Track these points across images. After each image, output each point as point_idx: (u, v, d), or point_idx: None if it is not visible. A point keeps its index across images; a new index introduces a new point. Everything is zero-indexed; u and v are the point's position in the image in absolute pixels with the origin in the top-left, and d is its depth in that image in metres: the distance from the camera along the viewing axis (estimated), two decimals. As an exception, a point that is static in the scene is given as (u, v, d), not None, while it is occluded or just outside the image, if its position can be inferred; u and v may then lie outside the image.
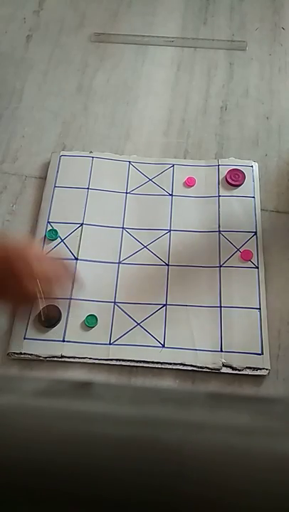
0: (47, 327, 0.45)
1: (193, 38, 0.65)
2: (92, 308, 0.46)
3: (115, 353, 0.44)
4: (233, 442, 0.17)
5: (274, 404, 0.21)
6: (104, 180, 0.53)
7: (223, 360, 0.43)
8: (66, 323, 0.45)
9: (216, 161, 0.55)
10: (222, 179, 0.53)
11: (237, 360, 0.43)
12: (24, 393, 0.20)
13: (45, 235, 0.49)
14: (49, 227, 0.49)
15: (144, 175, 0.54)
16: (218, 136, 0.58)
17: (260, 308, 0.46)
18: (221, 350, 0.44)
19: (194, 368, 0.43)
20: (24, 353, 0.44)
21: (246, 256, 0.48)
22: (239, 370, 0.43)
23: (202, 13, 0.68)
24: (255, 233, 0.50)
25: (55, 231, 0.49)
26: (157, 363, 0.44)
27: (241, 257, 0.48)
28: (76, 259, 0.48)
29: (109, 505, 0.17)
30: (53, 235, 0.49)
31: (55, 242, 0.49)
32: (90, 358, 0.44)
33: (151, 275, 0.48)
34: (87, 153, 0.55)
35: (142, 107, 0.60)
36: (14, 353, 0.44)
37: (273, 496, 0.16)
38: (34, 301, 0.39)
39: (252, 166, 0.54)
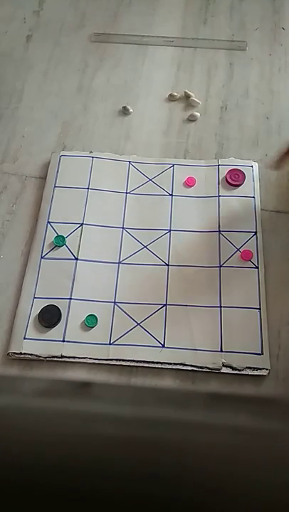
0: (47, 327, 0.45)
1: (193, 38, 0.65)
2: (92, 308, 0.46)
3: (115, 353, 0.44)
4: (233, 442, 0.17)
5: (274, 404, 0.21)
6: (105, 180, 0.53)
7: (223, 360, 0.43)
8: (66, 323, 0.45)
9: (216, 161, 0.55)
10: (222, 179, 0.53)
11: (237, 360, 0.43)
12: (24, 393, 0.20)
13: (53, 241, 0.49)
14: (55, 234, 0.49)
15: (144, 175, 0.54)
16: (218, 136, 0.58)
17: (260, 309, 0.46)
18: (221, 350, 0.44)
19: (194, 368, 0.43)
20: (24, 353, 0.44)
21: (246, 256, 0.48)
22: (239, 370, 0.43)
23: (202, 13, 0.68)
24: (255, 233, 0.50)
25: (62, 237, 0.49)
26: (157, 362, 0.44)
27: (241, 257, 0.48)
28: (76, 259, 0.48)
29: (108, 505, 0.17)
30: (60, 241, 0.49)
31: (62, 249, 0.49)
32: (90, 358, 0.44)
33: (151, 275, 0.48)
34: (87, 153, 0.55)
35: (142, 107, 0.60)
36: (14, 353, 0.44)
37: (273, 497, 0.16)
38: None
39: (252, 166, 0.54)
